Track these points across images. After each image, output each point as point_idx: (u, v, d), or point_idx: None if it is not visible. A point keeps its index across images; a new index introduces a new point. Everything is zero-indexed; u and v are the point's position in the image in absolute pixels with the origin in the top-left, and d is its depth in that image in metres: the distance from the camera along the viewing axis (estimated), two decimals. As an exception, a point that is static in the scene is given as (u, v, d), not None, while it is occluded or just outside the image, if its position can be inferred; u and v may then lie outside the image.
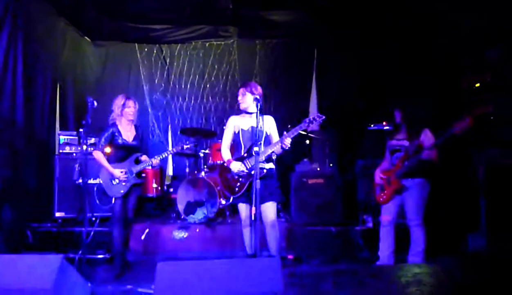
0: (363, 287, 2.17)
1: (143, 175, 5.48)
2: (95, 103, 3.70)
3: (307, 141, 6.10)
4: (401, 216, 3.98)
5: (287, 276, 2.21)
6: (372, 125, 5.38)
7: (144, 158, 4.22)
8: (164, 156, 4.30)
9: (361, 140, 5.65)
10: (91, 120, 5.61)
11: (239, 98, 3.86)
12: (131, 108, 4.13)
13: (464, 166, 4.61)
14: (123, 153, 4.13)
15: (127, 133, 4.17)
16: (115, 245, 4.05)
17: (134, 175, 4.10)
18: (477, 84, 4.45)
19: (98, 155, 4.05)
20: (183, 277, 2.14)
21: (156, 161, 4.16)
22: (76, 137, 5.39)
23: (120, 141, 4.09)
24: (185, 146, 4.41)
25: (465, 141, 4.28)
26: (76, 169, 3.85)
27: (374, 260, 4.06)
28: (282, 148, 3.55)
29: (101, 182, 4.09)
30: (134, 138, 4.19)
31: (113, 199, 4.05)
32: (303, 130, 3.57)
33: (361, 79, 6.28)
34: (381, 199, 3.99)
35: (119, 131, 4.11)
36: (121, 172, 4.03)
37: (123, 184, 4.05)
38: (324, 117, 3.48)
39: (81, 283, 2.62)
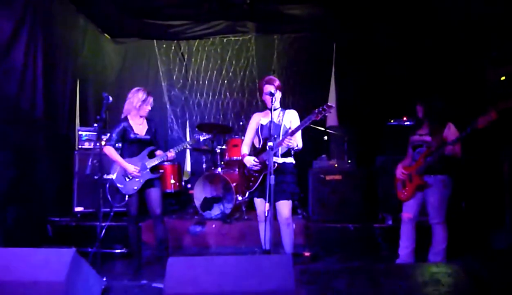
0: (377, 286, 2.09)
1: (161, 170, 5.53)
2: (110, 99, 3.67)
3: (325, 137, 6.00)
4: (422, 213, 3.85)
5: (300, 273, 2.15)
6: (392, 121, 5.24)
7: (159, 152, 4.11)
8: (179, 149, 4.11)
9: (381, 136, 5.52)
10: (107, 116, 5.76)
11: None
12: (148, 106, 4.04)
13: (489, 161, 4.44)
14: (135, 147, 4.02)
15: (139, 127, 4.05)
16: (131, 242, 4.03)
17: (148, 169, 3.99)
18: (503, 78, 4.26)
19: (109, 150, 3.94)
20: (193, 272, 2.11)
21: (171, 153, 4.01)
22: (95, 133, 5.43)
23: (132, 135, 3.98)
24: (201, 138, 4.26)
25: (490, 137, 4.12)
26: (89, 164, 3.72)
27: (394, 258, 3.95)
28: (288, 143, 3.49)
29: (113, 178, 3.98)
30: (147, 132, 4.08)
31: (127, 196, 3.93)
32: (318, 125, 3.51)
33: (381, 73, 6.13)
34: (402, 196, 3.88)
35: (130, 126, 4.01)
36: (135, 168, 3.92)
37: (136, 180, 3.94)
38: (333, 106, 3.40)
39: (94, 276, 2.63)
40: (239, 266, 2.11)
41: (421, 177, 3.71)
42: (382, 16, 5.81)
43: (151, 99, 4.05)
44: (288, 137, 3.47)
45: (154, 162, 4.01)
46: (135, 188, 3.94)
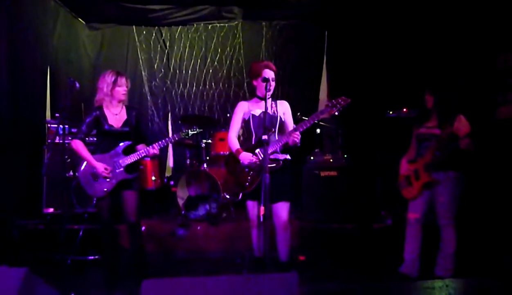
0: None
1: (141, 166, 5.03)
2: (77, 85, 3.16)
3: (318, 130, 5.60)
4: (430, 213, 3.50)
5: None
6: (391, 113, 4.87)
7: (140, 147, 3.50)
8: (163, 144, 3.50)
9: (379, 129, 5.16)
10: (83, 108, 5.26)
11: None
12: (123, 87, 3.43)
13: (497, 156, 4.11)
14: (110, 141, 3.42)
15: (115, 117, 3.44)
16: (104, 251, 3.50)
17: (122, 168, 3.38)
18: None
19: (77, 145, 3.35)
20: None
21: (154, 150, 3.40)
22: (67, 126, 4.89)
23: (106, 127, 3.40)
24: (190, 132, 3.56)
25: (499, 130, 3.79)
26: (45, 161, 3.21)
27: (398, 263, 3.58)
28: (293, 140, 3.12)
29: (79, 177, 3.41)
30: (125, 123, 3.46)
31: (95, 199, 3.41)
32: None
33: (377, 62, 5.75)
34: (408, 194, 3.51)
35: (104, 116, 3.42)
36: (105, 168, 3.33)
37: (107, 180, 3.34)
38: (349, 100, 3.02)
39: (55, 298, 2.18)
40: (231, 290, 1.69)
41: (430, 174, 3.35)
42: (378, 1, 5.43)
43: (123, 80, 3.43)
44: (296, 133, 3.09)
45: (130, 160, 3.40)
46: (105, 189, 3.35)
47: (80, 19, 6.35)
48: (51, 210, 4.67)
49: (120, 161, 3.40)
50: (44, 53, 5.44)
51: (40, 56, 5.34)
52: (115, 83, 3.39)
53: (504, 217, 3.87)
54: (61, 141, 4.61)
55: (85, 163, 3.41)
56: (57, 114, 3.07)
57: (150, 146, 3.45)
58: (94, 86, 5.21)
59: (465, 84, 4.16)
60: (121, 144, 3.44)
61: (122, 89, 3.43)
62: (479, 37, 4.50)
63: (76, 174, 3.42)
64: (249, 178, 3.18)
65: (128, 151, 3.46)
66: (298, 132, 3.11)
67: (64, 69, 5.86)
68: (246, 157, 3.21)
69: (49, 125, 4.83)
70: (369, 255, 4.09)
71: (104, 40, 6.60)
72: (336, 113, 3.04)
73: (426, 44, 5.09)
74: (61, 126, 4.16)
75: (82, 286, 3.40)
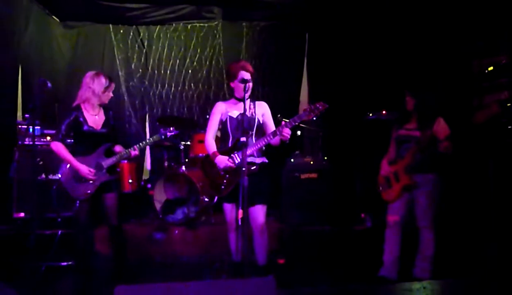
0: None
1: (118, 169, 4.91)
2: (49, 84, 3.05)
3: (298, 132, 5.58)
4: (409, 216, 3.50)
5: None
6: (370, 115, 4.89)
7: (118, 148, 3.47)
8: (143, 145, 3.52)
9: (358, 131, 5.17)
10: (56, 109, 5.09)
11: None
12: (110, 92, 3.45)
13: (473, 159, 4.16)
14: (90, 143, 3.36)
15: (94, 118, 3.38)
16: (80, 256, 3.38)
17: (104, 170, 3.34)
18: (490, 68, 3.98)
19: (57, 147, 3.26)
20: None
21: (135, 151, 3.40)
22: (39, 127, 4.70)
23: (85, 128, 3.32)
24: (169, 133, 3.63)
25: (477, 133, 3.83)
26: (14, 164, 3.09)
27: (377, 266, 3.57)
28: (281, 139, 3.09)
29: (60, 179, 3.33)
30: (104, 125, 3.42)
31: (78, 202, 3.30)
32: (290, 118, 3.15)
33: (357, 65, 5.78)
34: (388, 196, 3.50)
35: (84, 116, 3.33)
36: (89, 171, 3.27)
37: (91, 182, 3.30)
38: (328, 106, 3.02)
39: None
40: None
41: (410, 176, 3.36)
42: (359, 3, 5.46)
43: (113, 85, 3.47)
44: (286, 129, 3.05)
45: (112, 161, 3.38)
46: (88, 192, 3.30)
47: (54, 17, 6.14)
48: (22, 214, 4.49)
49: (103, 163, 3.36)
50: (15, 52, 5.25)
51: (10, 55, 5.14)
52: (107, 88, 3.39)
53: (481, 219, 3.91)
54: (31, 143, 4.52)
55: (68, 165, 3.32)
56: (27, 115, 2.96)
57: (131, 148, 3.43)
58: (69, 86, 5.08)
59: (444, 87, 4.20)
60: (102, 145, 3.40)
61: (110, 95, 3.45)
62: (456, 42, 4.56)
63: (58, 176, 3.31)
64: (225, 181, 3.15)
65: (108, 153, 3.42)
66: (288, 129, 3.06)
67: (37, 69, 5.66)
68: (222, 161, 3.17)
69: (19, 126, 4.65)
70: (349, 258, 4.08)
71: (79, 39, 6.38)
72: (314, 118, 3.03)
73: (406, 47, 5.13)
74: (31, 127, 4.01)
75: (55, 294, 3.27)
